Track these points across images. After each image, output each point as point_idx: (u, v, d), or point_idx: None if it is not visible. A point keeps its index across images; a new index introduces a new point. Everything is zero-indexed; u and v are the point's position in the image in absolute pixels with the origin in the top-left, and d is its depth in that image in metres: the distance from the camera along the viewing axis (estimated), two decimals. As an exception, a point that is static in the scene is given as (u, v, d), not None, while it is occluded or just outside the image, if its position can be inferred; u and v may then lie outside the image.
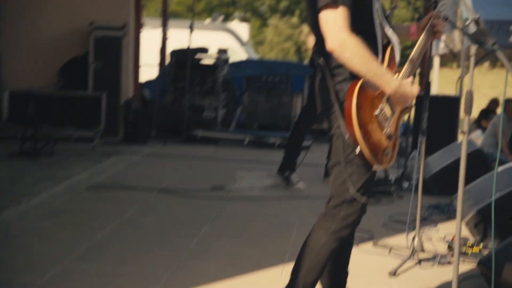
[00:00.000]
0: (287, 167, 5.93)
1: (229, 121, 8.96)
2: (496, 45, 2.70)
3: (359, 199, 2.61)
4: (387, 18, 2.81)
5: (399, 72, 2.71)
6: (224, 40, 19.07)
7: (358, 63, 2.49)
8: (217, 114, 8.65)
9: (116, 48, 7.51)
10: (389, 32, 2.75)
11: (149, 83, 9.13)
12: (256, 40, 38.07)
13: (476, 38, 2.68)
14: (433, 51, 11.66)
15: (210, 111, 8.61)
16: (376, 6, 2.69)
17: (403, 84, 2.57)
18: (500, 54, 2.73)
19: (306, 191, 5.80)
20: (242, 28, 31.08)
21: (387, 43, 2.74)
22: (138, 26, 8.24)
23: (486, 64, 27.36)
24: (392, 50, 2.73)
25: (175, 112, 8.29)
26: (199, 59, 8.78)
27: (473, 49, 2.73)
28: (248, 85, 9.01)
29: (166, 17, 8.79)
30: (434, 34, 2.88)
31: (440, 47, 12.15)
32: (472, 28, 2.68)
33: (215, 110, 8.64)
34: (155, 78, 8.93)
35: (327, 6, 2.50)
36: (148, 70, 11.55)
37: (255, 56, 20.43)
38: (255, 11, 40.37)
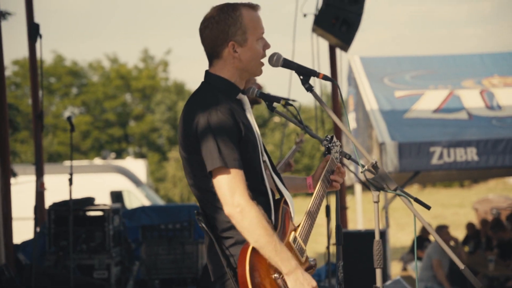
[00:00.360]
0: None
1: (126, 280, 8.80)
2: (399, 189, 2.88)
3: None
4: (274, 168, 2.96)
5: (296, 228, 2.83)
6: (117, 182, 19.08)
7: (256, 234, 2.62)
8: (110, 273, 8.49)
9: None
10: (281, 186, 2.89)
11: (25, 245, 8.92)
12: (156, 177, 38.25)
13: (376, 185, 2.85)
14: (352, 180, 12.11)
15: (102, 270, 8.45)
16: (264, 159, 2.85)
17: (301, 274, 2.67)
18: (404, 199, 2.91)
19: None
20: (138, 166, 31.29)
21: (279, 198, 2.89)
22: (7, 180, 8.18)
23: (416, 185, 28.50)
24: (286, 204, 2.86)
25: (59, 276, 8.08)
26: (84, 211, 8.72)
27: (376, 195, 2.90)
28: (144, 236, 8.97)
29: (40, 165, 8.76)
30: (331, 183, 3.05)
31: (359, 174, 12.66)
32: (370, 174, 2.86)
33: (107, 269, 8.48)
34: (32, 239, 8.75)
35: (218, 171, 2.65)
36: (24, 225, 11.30)
37: (155, 198, 20.47)
38: (152, 145, 40.87)
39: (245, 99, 2.92)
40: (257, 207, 2.65)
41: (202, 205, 2.82)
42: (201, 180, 2.76)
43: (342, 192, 9.25)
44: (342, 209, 9.15)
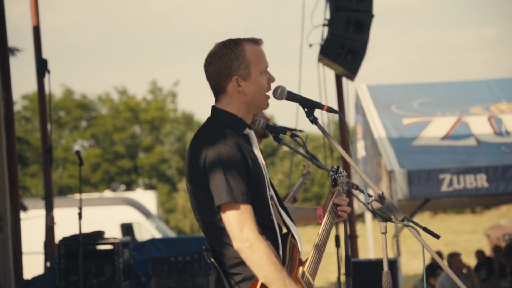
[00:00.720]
0: None
1: (136, 314, 8.78)
2: (406, 219, 2.88)
3: None
4: (282, 203, 2.96)
5: (304, 263, 2.82)
6: (127, 215, 19.08)
7: (265, 269, 2.63)
8: (121, 307, 8.48)
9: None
10: (288, 220, 2.89)
11: (35, 280, 8.92)
12: (166, 208, 38.23)
13: (383, 216, 2.85)
14: (362, 208, 12.07)
15: (113, 305, 8.44)
16: (271, 194, 2.85)
17: None
18: (412, 230, 2.90)
19: None
20: (148, 197, 31.29)
21: (287, 232, 2.88)
22: (17, 215, 8.19)
23: (427, 213, 28.37)
24: (293, 239, 2.87)
25: (69, 311, 8.08)
26: (94, 245, 8.72)
27: (383, 226, 2.89)
28: (154, 269, 8.94)
29: (49, 200, 8.79)
30: (338, 214, 3.05)
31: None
32: (377, 205, 2.86)
33: (118, 303, 8.47)
34: (42, 274, 8.74)
35: (227, 206, 2.66)
36: (35, 260, 11.28)
37: (165, 229, 20.44)
38: (162, 176, 40.92)
39: (251, 134, 2.93)
40: (266, 242, 2.66)
41: (209, 240, 2.82)
42: (208, 214, 2.77)
43: (352, 221, 9.22)
44: (352, 238, 9.11)
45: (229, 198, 2.67)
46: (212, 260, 2.75)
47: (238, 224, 2.65)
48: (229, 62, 2.87)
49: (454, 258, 10.63)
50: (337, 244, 6.58)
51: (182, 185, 37.41)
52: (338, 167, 3.24)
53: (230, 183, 2.68)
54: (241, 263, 2.71)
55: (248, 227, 2.65)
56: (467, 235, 27.45)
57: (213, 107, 2.94)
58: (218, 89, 2.93)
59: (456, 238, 26.15)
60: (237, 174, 2.69)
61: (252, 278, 2.68)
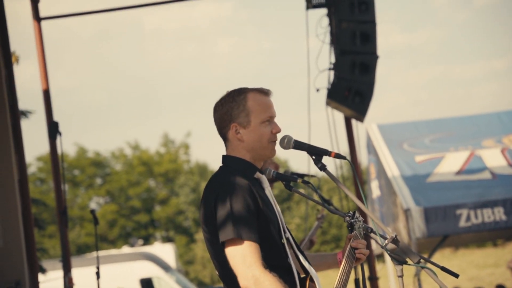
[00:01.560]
0: None
1: None
2: (422, 261, 2.86)
3: None
4: (298, 246, 2.97)
5: None
6: (146, 269, 19.00)
7: None
8: None
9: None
10: (305, 263, 2.89)
11: None
12: (185, 260, 38.07)
13: (398, 259, 2.84)
14: (380, 249, 11.97)
15: None
16: (287, 236, 2.86)
17: None
18: (428, 271, 2.88)
19: None
20: (166, 250, 31.15)
21: (305, 276, 2.88)
22: (35, 279, 8.17)
23: (448, 249, 28.07)
24: (312, 282, 2.86)
25: None
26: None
27: (399, 269, 2.88)
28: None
29: (67, 261, 8.77)
30: (357, 258, 3.03)
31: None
32: (392, 247, 2.85)
33: None
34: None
35: (231, 242, 2.67)
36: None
37: (185, 282, 20.31)
38: (179, 228, 40.84)
39: (263, 178, 2.96)
40: (271, 274, 2.65)
41: (225, 283, 2.84)
42: (222, 256, 2.77)
43: (372, 262, 9.13)
44: (373, 279, 9.01)
45: (234, 235, 2.69)
46: None
47: (243, 260, 2.66)
48: (230, 109, 2.94)
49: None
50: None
51: (200, 235, 37.31)
52: (354, 212, 3.25)
53: (237, 221, 2.70)
54: None
55: (252, 263, 2.65)
56: (490, 269, 27.09)
57: (223, 156, 3.01)
58: (222, 136, 3.00)
59: (479, 272, 25.81)
60: (245, 214, 2.72)
61: None
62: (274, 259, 2.73)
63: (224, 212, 2.72)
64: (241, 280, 2.66)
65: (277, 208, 2.93)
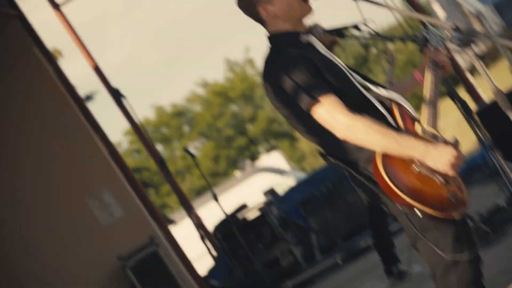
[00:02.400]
0: (390, 263, 6.04)
1: (312, 254, 9.04)
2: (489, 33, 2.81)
3: (460, 258, 2.67)
4: (371, 81, 2.95)
5: (420, 121, 2.81)
6: (265, 182, 19.51)
7: (374, 139, 2.66)
8: (295, 255, 8.81)
9: (158, 264, 7.66)
10: (384, 92, 2.89)
11: (212, 272, 9.34)
12: (297, 159, 38.68)
13: (466, 41, 2.78)
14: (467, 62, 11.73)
15: (286, 257, 8.78)
16: (357, 79, 2.88)
17: (434, 150, 2.64)
18: (498, 42, 2.83)
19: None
20: (275, 158, 31.61)
21: (389, 104, 2.86)
22: (167, 231, 8.53)
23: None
24: (399, 106, 2.86)
25: (253, 281, 8.46)
26: (244, 218, 9.05)
27: (471, 52, 2.83)
28: (306, 210, 9.19)
29: (187, 205, 9.12)
30: (441, 67, 2.96)
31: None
32: (459, 35, 2.79)
33: (291, 253, 8.81)
34: (214, 264, 9.16)
35: (311, 106, 2.74)
36: (202, 261, 11.78)
37: (300, 175, 20.71)
38: (277, 135, 41.32)
39: (311, 38, 2.94)
40: (360, 116, 2.67)
41: (323, 147, 2.87)
42: (311, 124, 2.80)
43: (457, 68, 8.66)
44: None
45: (309, 100, 2.73)
46: (335, 160, 2.79)
47: (330, 116, 2.70)
48: None
49: None
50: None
51: (297, 134, 37.64)
52: (425, 25, 3.09)
53: (305, 88, 2.73)
54: (355, 149, 2.74)
55: (338, 113, 2.69)
56: None
57: (268, 37, 3.00)
58: (258, 21, 3.00)
59: None
60: (308, 78, 2.74)
61: (371, 157, 2.70)
62: (353, 103, 2.74)
63: (291, 86, 2.76)
64: (338, 134, 2.70)
65: (336, 58, 2.92)
